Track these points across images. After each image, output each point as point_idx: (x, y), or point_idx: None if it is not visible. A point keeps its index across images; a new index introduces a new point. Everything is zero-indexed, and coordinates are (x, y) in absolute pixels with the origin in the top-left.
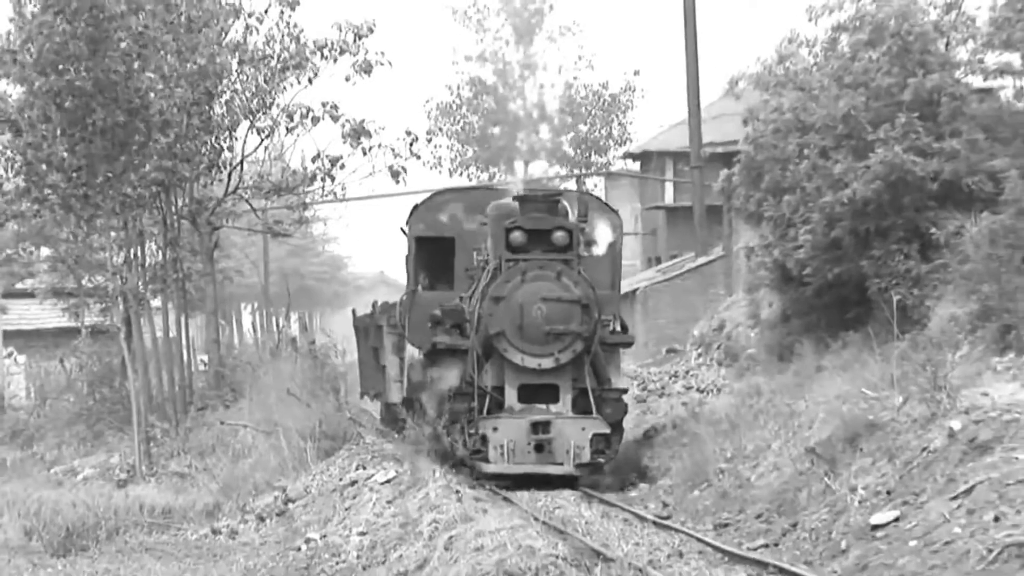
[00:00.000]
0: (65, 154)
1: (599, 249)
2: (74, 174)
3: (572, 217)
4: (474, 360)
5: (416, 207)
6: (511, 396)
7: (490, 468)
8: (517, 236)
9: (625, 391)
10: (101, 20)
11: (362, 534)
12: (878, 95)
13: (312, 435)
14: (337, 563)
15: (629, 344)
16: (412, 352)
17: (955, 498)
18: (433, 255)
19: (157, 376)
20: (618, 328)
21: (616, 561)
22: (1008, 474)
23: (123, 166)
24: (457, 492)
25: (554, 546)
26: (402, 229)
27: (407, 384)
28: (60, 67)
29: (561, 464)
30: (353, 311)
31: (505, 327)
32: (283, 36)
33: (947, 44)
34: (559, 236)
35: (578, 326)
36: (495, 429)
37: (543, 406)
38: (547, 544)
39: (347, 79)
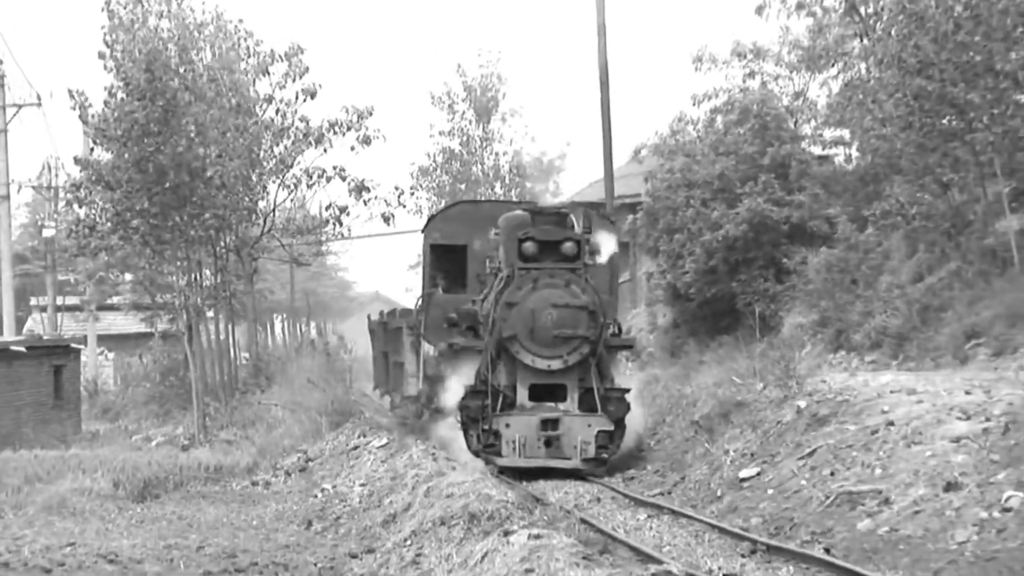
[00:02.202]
0: (146, 204)
1: (601, 258)
2: (151, 220)
3: (578, 229)
4: (488, 361)
5: (432, 217)
6: (522, 395)
7: (503, 461)
8: (529, 246)
9: (628, 391)
10: (171, 107)
11: (363, 485)
12: (744, 160)
13: (326, 412)
14: (344, 506)
15: (631, 346)
16: (428, 349)
17: (802, 458)
18: (447, 261)
19: (211, 368)
20: (615, 331)
21: (551, 505)
22: (841, 440)
23: (187, 214)
24: (433, 454)
25: (504, 494)
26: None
27: (423, 378)
28: (144, 140)
29: (569, 458)
30: (368, 316)
31: (518, 330)
32: (302, 120)
33: (795, 122)
34: (568, 247)
35: (585, 330)
36: (507, 425)
37: (552, 404)
38: (500, 493)
39: (352, 149)
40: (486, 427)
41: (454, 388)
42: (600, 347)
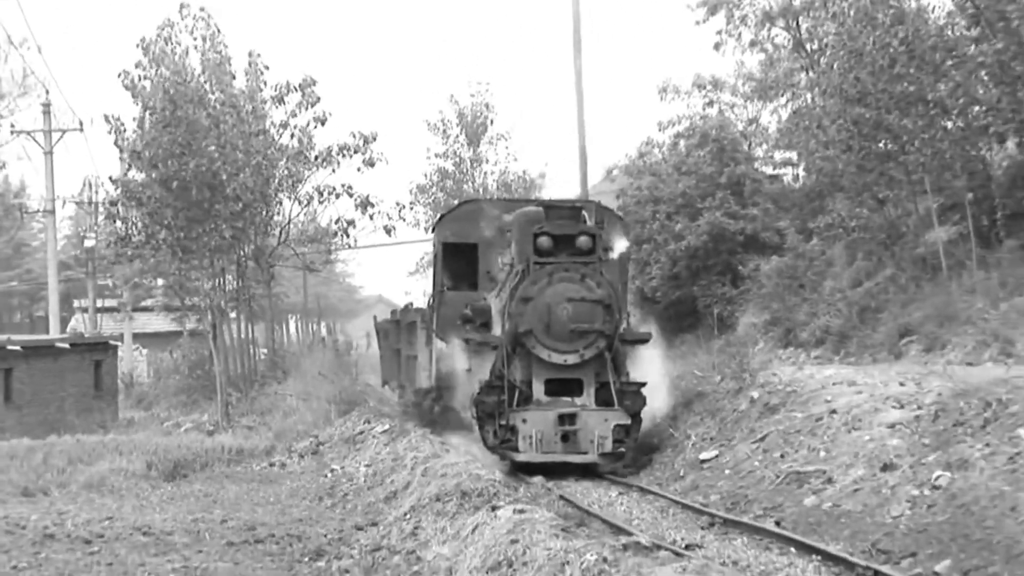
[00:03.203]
0: (171, 218)
1: (612, 254)
2: (179, 232)
3: (590, 224)
4: (504, 356)
5: (443, 216)
6: (538, 390)
7: (521, 457)
8: (544, 241)
9: (644, 384)
10: (193, 132)
11: (367, 466)
12: (704, 179)
13: (335, 401)
14: (351, 485)
15: (646, 340)
16: (440, 346)
17: (755, 442)
18: (457, 259)
19: (233, 362)
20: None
21: (533, 484)
22: (789, 427)
23: (210, 226)
24: (429, 439)
25: (492, 474)
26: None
27: (435, 374)
28: (168, 162)
29: (586, 453)
30: (375, 317)
31: (533, 325)
32: (308, 139)
33: (749, 145)
34: (583, 241)
35: (601, 324)
36: (524, 421)
37: (568, 399)
38: (488, 472)
39: (358, 169)
40: (502, 422)
41: (468, 383)
42: (616, 341)
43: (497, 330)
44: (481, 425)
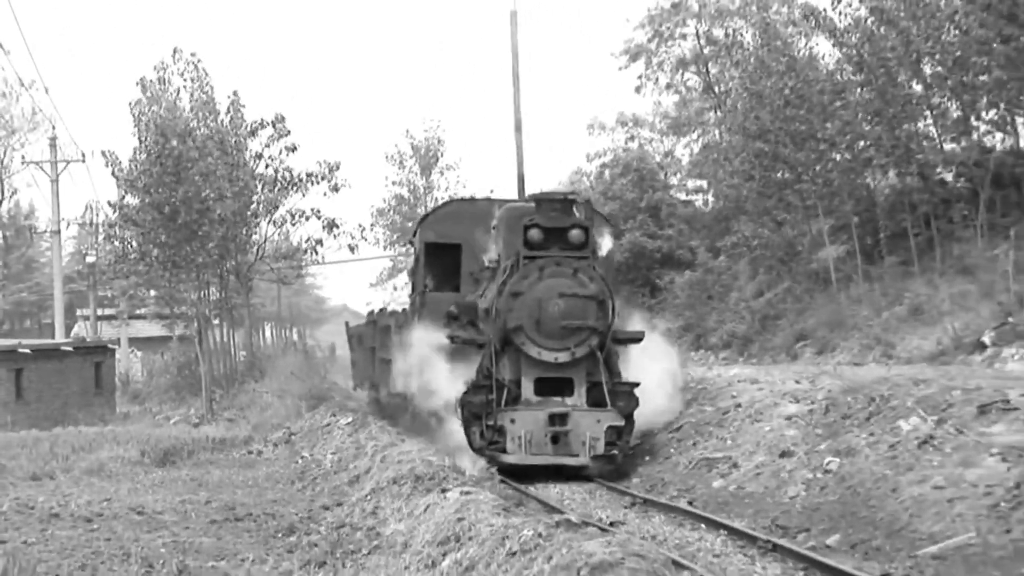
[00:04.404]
0: (163, 238)
1: (601, 251)
2: (169, 251)
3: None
4: (492, 353)
5: (425, 217)
6: (527, 389)
7: (509, 459)
8: (535, 234)
9: (637, 384)
10: (181, 163)
11: (333, 453)
12: (626, 204)
13: (305, 397)
14: (319, 470)
15: (639, 340)
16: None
17: (671, 432)
18: (440, 260)
19: (217, 363)
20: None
21: (477, 468)
22: (701, 419)
23: (197, 245)
24: (387, 431)
25: (443, 460)
26: (410, 241)
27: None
28: (159, 189)
29: (577, 455)
30: (347, 323)
31: (523, 321)
32: (285, 171)
33: (665, 175)
34: (575, 234)
35: (594, 321)
36: (513, 421)
37: (559, 399)
38: (439, 459)
39: (324, 194)
40: (490, 423)
41: (451, 385)
42: (608, 339)
43: (485, 329)
44: (467, 426)
